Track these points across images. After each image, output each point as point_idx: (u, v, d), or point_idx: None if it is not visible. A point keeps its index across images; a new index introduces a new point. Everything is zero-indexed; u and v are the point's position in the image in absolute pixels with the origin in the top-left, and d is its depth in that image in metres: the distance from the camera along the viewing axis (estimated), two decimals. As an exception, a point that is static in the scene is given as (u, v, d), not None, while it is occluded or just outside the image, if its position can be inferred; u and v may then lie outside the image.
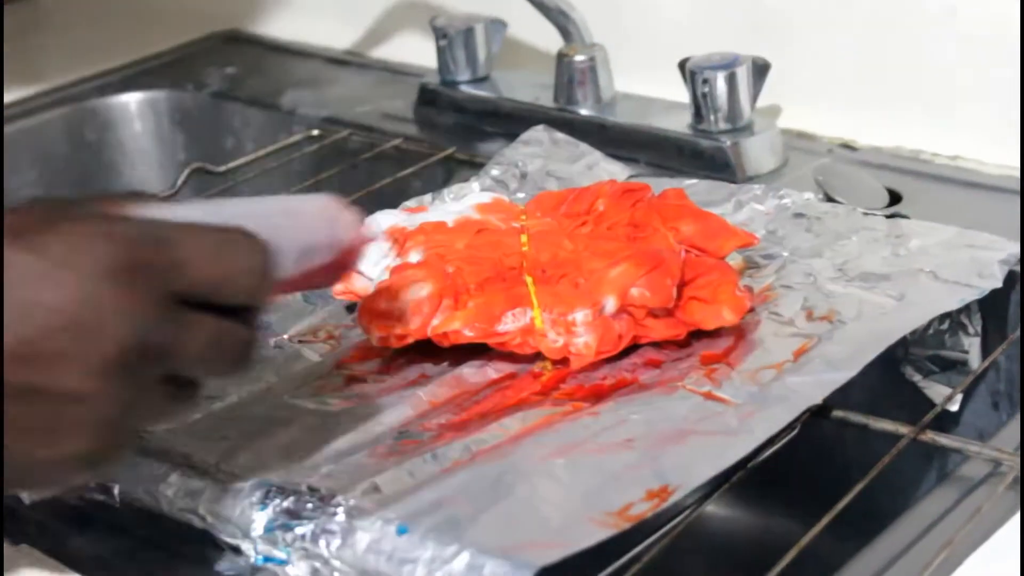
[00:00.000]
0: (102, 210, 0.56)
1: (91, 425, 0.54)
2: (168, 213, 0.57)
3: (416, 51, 1.20)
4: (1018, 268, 0.80)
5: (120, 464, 0.58)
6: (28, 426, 0.53)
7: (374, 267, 0.79)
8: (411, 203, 0.90)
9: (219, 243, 0.56)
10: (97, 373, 0.53)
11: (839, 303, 0.77)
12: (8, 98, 1.19)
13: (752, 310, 0.77)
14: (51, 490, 0.66)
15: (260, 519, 0.64)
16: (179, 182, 1.03)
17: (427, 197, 0.92)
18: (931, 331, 0.80)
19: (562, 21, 1.04)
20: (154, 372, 0.55)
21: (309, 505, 0.63)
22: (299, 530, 0.63)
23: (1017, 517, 0.64)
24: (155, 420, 0.58)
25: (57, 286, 0.53)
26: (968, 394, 0.82)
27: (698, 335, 0.75)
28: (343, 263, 0.63)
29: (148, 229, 0.55)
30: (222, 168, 1.07)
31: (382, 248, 0.80)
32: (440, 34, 1.10)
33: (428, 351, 0.75)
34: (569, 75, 1.04)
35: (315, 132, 1.11)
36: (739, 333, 0.75)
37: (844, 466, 0.85)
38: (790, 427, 0.67)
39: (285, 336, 0.80)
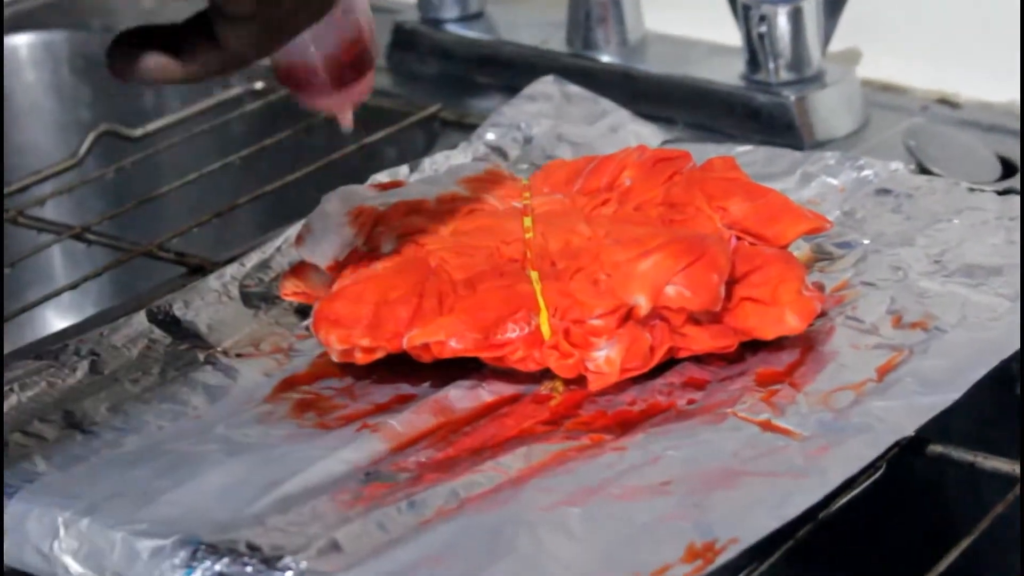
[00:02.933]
0: None
1: None
2: None
3: (389, -20, 1.20)
4: None
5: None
6: None
7: (334, 259, 0.79)
8: (383, 176, 0.91)
9: None
10: None
11: (936, 305, 0.77)
12: None
13: (823, 314, 0.77)
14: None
15: (184, 587, 0.64)
16: (83, 149, 1.03)
17: (403, 169, 0.92)
18: (1055, 341, 0.80)
19: (577, -59, 1.05)
20: None
21: (249, 568, 0.63)
22: (236, 601, 0.63)
23: None
24: None
25: None
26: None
27: (753, 347, 0.75)
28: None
29: None
30: (139, 131, 1.07)
31: (345, 235, 0.79)
32: (420, -42, 1.11)
33: (403, 368, 0.75)
34: (586, 10, 1.05)
35: (259, 85, 1.12)
36: (806, 345, 0.75)
37: (944, 516, 0.86)
38: (873, 466, 0.68)
39: (219, 349, 0.79)
